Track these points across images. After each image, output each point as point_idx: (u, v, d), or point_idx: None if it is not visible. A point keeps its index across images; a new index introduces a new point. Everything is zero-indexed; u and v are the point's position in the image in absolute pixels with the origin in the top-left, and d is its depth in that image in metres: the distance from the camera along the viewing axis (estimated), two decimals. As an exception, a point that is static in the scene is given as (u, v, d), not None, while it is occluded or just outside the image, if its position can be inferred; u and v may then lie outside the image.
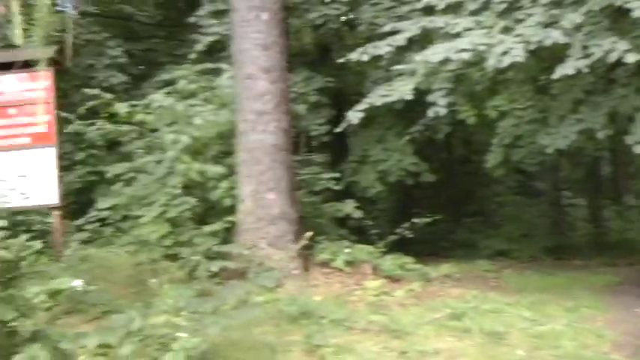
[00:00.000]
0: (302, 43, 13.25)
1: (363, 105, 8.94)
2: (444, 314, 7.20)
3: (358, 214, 10.45)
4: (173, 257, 8.27)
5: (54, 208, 9.24)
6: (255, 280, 5.69)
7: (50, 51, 8.52)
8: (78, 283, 6.06)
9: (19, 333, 5.02)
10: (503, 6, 8.54)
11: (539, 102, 9.85)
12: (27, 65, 8.61)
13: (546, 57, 8.65)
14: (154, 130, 10.40)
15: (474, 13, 8.88)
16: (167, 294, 5.83)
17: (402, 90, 8.85)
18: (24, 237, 5.58)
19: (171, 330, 5.01)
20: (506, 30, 8.13)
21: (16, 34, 2.82)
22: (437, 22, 8.92)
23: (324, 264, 8.90)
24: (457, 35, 8.45)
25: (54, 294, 5.86)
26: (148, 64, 16.06)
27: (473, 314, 7.15)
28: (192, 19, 13.41)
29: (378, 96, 8.98)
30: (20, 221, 9.17)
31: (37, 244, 5.78)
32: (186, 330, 5.02)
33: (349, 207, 10.53)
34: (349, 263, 8.86)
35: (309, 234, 8.61)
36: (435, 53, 8.18)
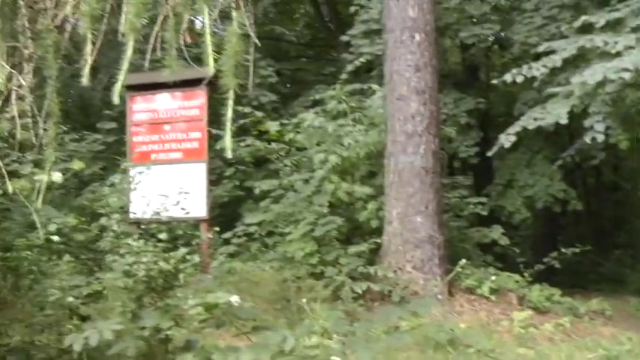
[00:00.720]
0: (450, 64, 13.10)
1: (515, 128, 8.67)
2: (596, 355, 6.73)
3: (505, 240, 10.15)
4: (318, 276, 8.34)
5: (202, 220, 9.51)
6: (407, 306, 5.60)
7: (209, 71, 8.81)
8: (235, 299, 6.18)
9: (173, 341, 5.19)
10: (667, 21, 8.09)
11: (700, 127, 9.20)
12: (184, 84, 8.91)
13: None
14: (302, 149, 10.55)
15: (635, 30, 8.44)
16: (318, 315, 5.83)
17: (556, 113, 8.52)
18: (183, 250, 5.76)
19: (323, 352, 5.00)
20: (671, 47, 7.68)
21: (209, 63, 2.90)
22: (596, 40, 8.52)
23: (469, 290, 8.67)
24: (617, 54, 8.04)
25: (210, 307, 6.00)
26: (296, 83, 16.39)
27: (628, 358, 6.68)
28: (344, 39, 13.52)
29: (532, 119, 8.69)
30: (177, 235, 9.49)
31: (195, 258, 5.97)
32: (337, 353, 4.99)
33: (496, 233, 10.23)
34: (494, 291, 8.58)
35: (463, 261, 8.45)
36: (593, 74, 7.82)
